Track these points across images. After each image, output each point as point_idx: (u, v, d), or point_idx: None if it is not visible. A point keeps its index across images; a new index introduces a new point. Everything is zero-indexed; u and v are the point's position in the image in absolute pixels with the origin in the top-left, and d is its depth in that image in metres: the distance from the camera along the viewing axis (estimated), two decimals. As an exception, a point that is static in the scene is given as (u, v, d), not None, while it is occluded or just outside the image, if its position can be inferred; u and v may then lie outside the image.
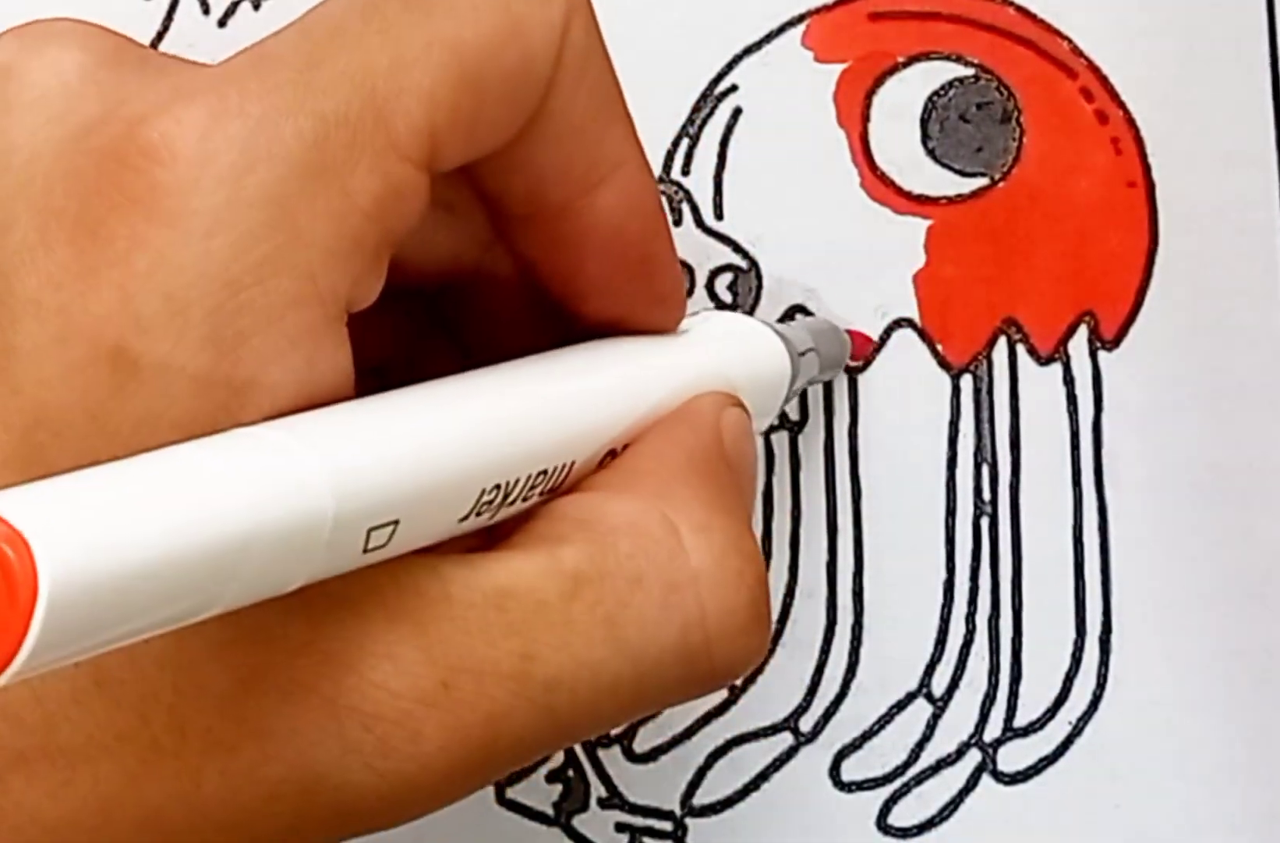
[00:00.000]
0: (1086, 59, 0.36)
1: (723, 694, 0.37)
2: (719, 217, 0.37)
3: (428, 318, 0.30)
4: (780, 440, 0.37)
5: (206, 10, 0.37)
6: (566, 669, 0.24)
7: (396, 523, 0.23)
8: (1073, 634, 0.37)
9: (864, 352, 0.37)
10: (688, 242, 0.37)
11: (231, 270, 0.22)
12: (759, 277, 0.37)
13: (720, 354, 0.31)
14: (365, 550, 0.23)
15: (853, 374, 0.37)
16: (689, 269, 0.37)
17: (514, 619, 0.24)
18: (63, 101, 0.24)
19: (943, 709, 0.37)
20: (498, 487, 0.25)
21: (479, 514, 0.25)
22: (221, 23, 0.37)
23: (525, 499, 0.26)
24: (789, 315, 0.37)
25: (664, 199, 0.37)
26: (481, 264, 0.29)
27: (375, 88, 0.23)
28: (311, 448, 0.22)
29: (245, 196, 0.23)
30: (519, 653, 0.24)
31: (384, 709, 0.23)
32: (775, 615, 0.37)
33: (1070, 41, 0.36)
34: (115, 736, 0.23)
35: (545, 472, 0.26)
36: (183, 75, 0.24)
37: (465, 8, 0.24)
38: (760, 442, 0.37)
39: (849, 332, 0.36)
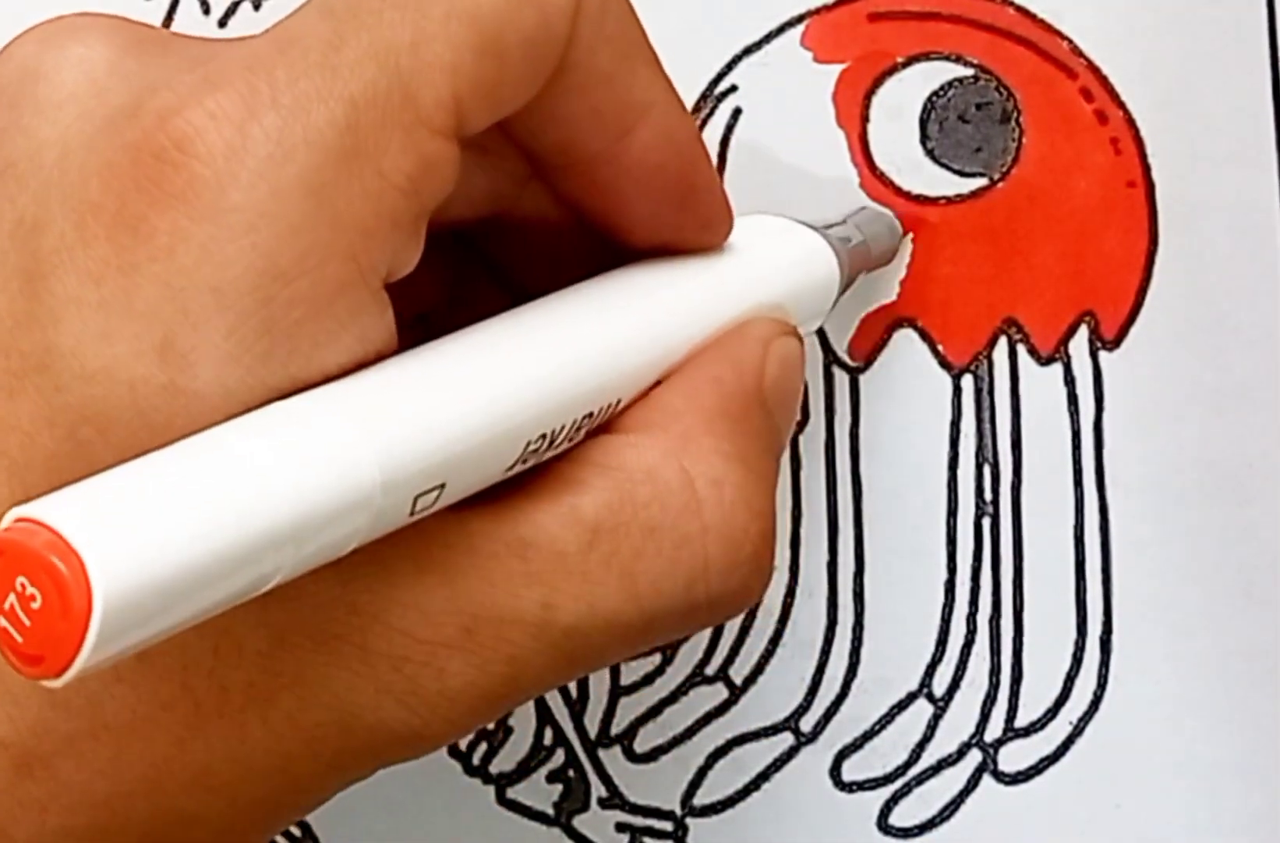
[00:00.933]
0: (1086, 59, 0.36)
1: (723, 694, 0.37)
2: (719, 217, 0.37)
3: (470, 260, 0.31)
4: (781, 440, 0.37)
5: (207, 10, 0.37)
6: (584, 618, 0.25)
7: (443, 487, 0.23)
8: (1074, 634, 0.37)
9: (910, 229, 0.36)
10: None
11: (278, 263, 0.23)
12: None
13: (769, 268, 0.31)
14: (412, 514, 0.23)
15: (854, 374, 0.37)
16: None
17: (534, 570, 0.25)
18: (92, 97, 0.24)
19: (944, 709, 0.37)
20: (543, 436, 0.25)
21: (524, 462, 0.25)
22: (222, 23, 0.37)
23: (571, 440, 0.26)
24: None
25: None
26: (520, 200, 0.29)
27: (399, 65, 0.24)
28: (354, 422, 0.22)
29: (284, 189, 0.23)
30: (540, 602, 0.25)
31: (411, 652, 0.24)
32: (776, 615, 0.37)
33: (1070, 41, 0.36)
34: (160, 705, 0.24)
35: (591, 414, 0.26)
36: (209, 62, 0.24)
37: None
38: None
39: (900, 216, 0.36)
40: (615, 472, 0.26)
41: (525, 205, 0.29)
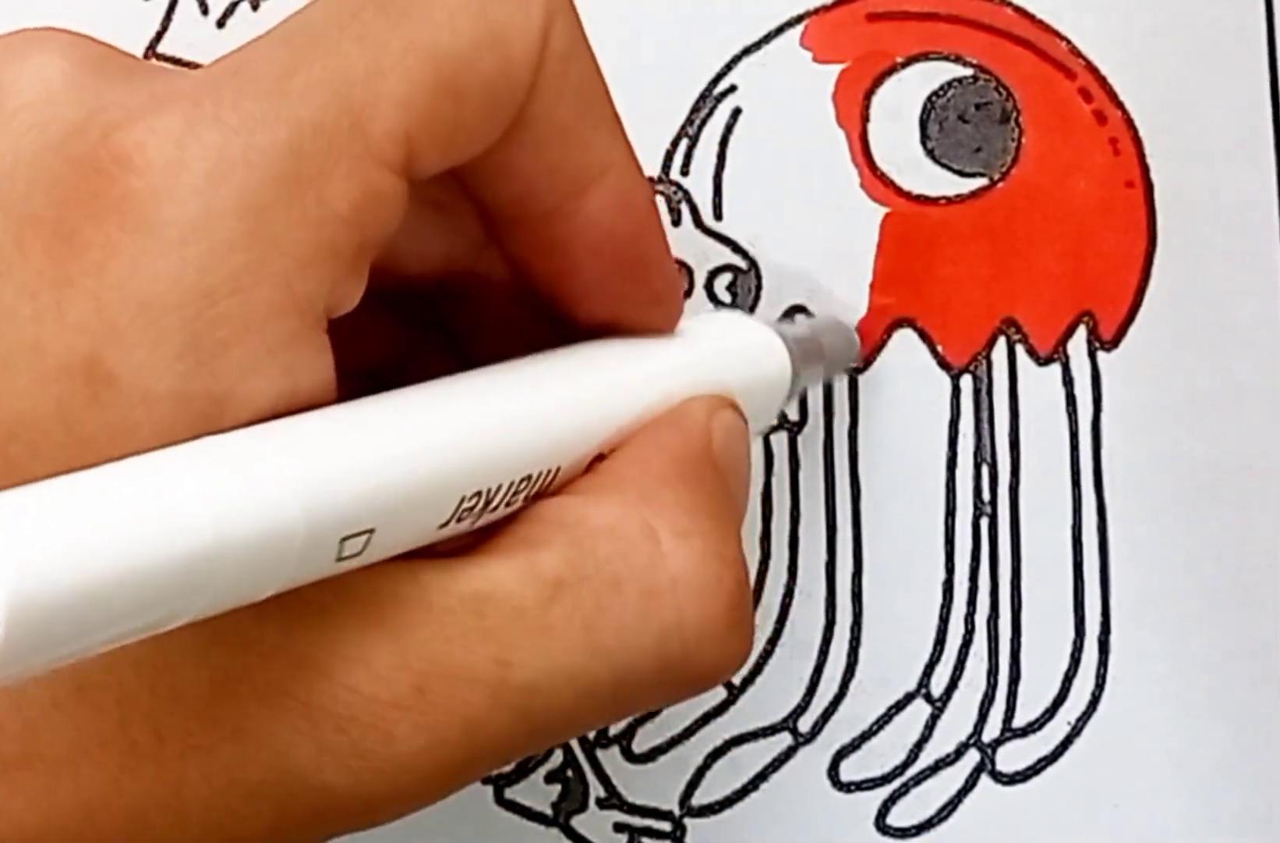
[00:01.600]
0: (1085, 59, 0.36)
1: (721, 694, 0.37)
2: (719, 217, 0.37)
3: (423, 321, 0.30)
4: (780, 440, 0.37)
5: (205, 10, 0.37)
6: (544, 675, 0.24)
7: (371, 532, 0.23)
8: (1072, 634, 0.37)
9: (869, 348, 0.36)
10: (687, 242, 0.37)
11: (207, 280, 0.22)
12: (759, 277, 0.37)
13: (716, 356, 0.30)
14: (339, 559, 0.23)
15: (853, 374, 0.37)
16: (688, 269, 0.37)
17: (491, 625, 0.24)
18: (46, 109, 0.24)
19: (941, 710, 0.37)
20: (478, 494, 0.24)
21: (459, 521, 0.25)
22: (220, 23, 0.37)
23: (509, 504, 0.25)
24: (789, 315, 0.37)
25: (663, 199, 0.37)
26: (475, 265, 0.29)
27: (352, 95, 0.23)
28: (283, 457, 0.22)
29: (220, 205, 0.22)
30: (496, 659, 0.24)
31: (357, 712, 0.23)
32: (774, 616, 0.37)
33: (1068, 42, 0.36)
34: (96, 741, 0.23)
35: (529, 477, 0.26)
36: (162, 83, 0.24)
37: (442, 14, 0.24)
38: (760, 443, 0.37)
39: (858, 327, 0.36)
40: (574, 528, 0.25)
41: (480, 272, 0.29)
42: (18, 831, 0.23)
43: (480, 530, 0.26)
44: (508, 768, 0.37)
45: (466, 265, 0.29)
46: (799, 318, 0.36)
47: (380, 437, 0.23)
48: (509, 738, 0.24)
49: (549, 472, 0.26)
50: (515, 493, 0.25)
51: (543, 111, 0.25)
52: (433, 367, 0.27)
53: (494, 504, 0.25)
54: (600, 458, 0.27)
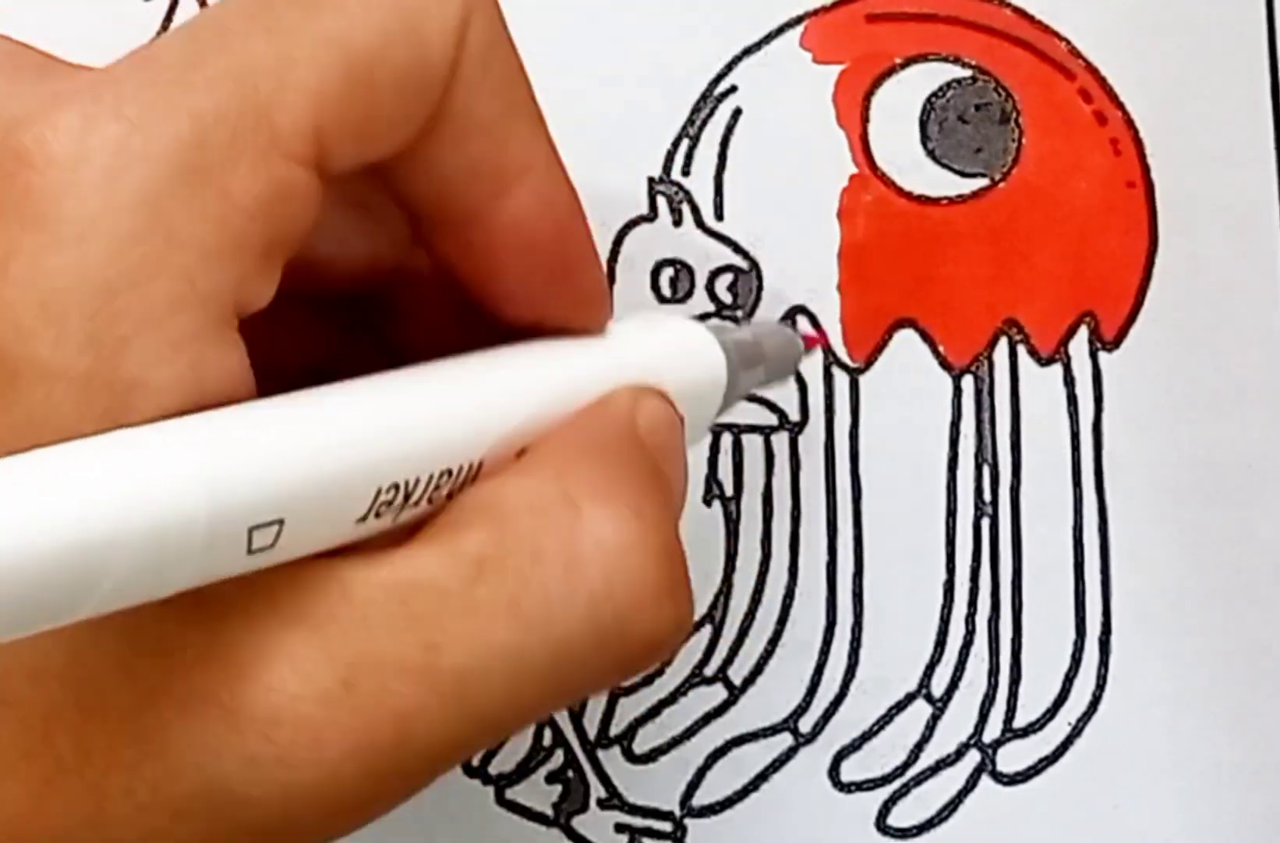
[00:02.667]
0: (1084, 60, 0.36)
1: (722, 695, 0.37)
2: (719, 217, 0.37)
3: (353, 321, 0.30)
4: (780, 440, 0.37)
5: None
6: (475, 655, 0.23)
7: (281, 523, 0.22)
8: (1072, 635, 0.37)
9: (814, 345, 0.36)
10: (688, 242, 0.37)
11: (106, 275, 0.22)
12: (759, 277, 0.37)
13: (645, 354, 0.30)
14: (250, 552, 0.22)
15: (854, 375, 0.37)
16: (689, 269, 0.37)
17: (416, 611, 0.23)
18: None
19: (942, 710, 0.37)
20: (395, 486, 0.24)
21: (378, 515, 0.24)
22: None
23: (431, 500, 0.25)
24: (789, 315, 0.37)
25: (664, 200, 0.37)
26: (402, 265, 0.29)
27: (258, 86, 0.23)
28: (185, 446, 0.22)
29: (119, 200, 0.22)
30: (423, 644, 0.23)
31: (283, 715, 0.23)
32: (775, 616, 0.37)
33: (1068, 42, 0.36)
34: (20, 755, 0.23)
35: (450, 472, 0.25)
36: (68, 79, 0.24)
37: (355, 6, 0.24)
38: (760, 443, 0.37)
39: (804, 336, 0.35)
40: (494, 508, 0.25)
41: (407, 271, 0.29)
42: None
43: (407, 529, 0.25)
44: (508, 769, 0.37)
45: (393, 265, 0.29)
46: (742, 323, 0.36)
47: (290, 426, 0.23)
48: (446, 730, 0.23)
49: (469, 466, 0.25)
50: (436, 488, 0.25)
51: (461, 106, 0.25)
52: (364, 368, 0.26)
53: (415, 498, 0.25)
54: (522, 453, 0.27)
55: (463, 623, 0.23)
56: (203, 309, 0.23)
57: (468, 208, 0.26)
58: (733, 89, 0.36)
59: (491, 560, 0.24)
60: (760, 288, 0.37)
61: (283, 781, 0.22)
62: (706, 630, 0.37)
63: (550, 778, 0.37)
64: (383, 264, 0.29)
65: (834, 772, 0.37)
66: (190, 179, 0.23)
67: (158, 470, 0.21)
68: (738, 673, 0.37)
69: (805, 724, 0.37)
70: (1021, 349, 0.37)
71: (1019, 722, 0.37)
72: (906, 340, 0.37)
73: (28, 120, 0.23)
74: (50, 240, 0.22)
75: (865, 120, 0.36)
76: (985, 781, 0.37)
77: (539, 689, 0.24)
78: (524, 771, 0.37)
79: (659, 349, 0.30)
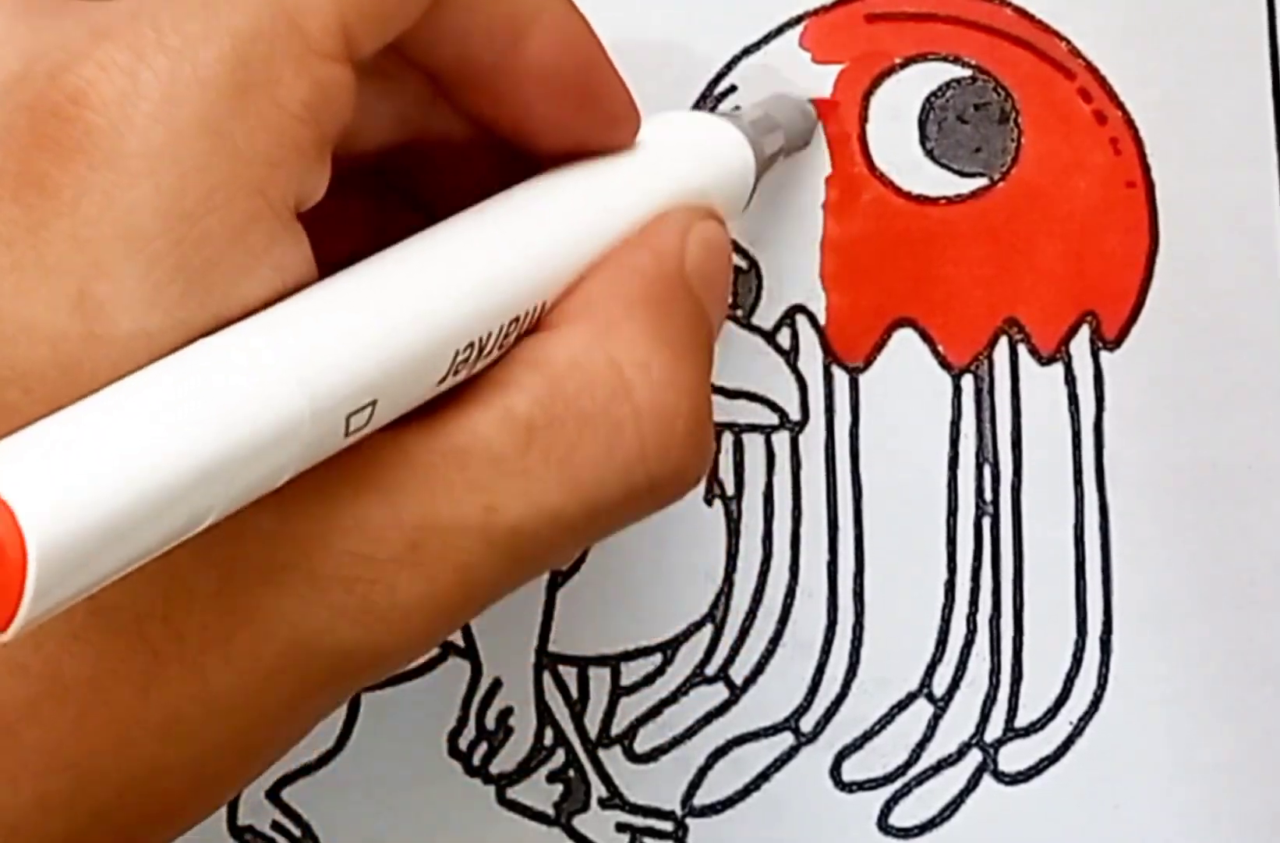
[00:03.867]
0: (1084, 59, 0.36)
1: (723, 694, 0.37)
2: (719, 217, 0.37)
3: (391, 193, 0.31)
4: (780, 440, 0.37)
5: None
6: (528, 517, 0.25)
7: (374, 404, 0.23)
8: (1074, 634, 0.37)
9: (828, 114, 0.36)
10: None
11: (184, 204, 0.23)
12: (759, 276, 0.37)
13: (679, 159, 0.31)
14: (347, 434, 0.23)
15: (854, 374, 0.37)
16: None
17: (473, 475, 0.25)
18: None
19: (944, 709, 0.37)
20: (471, 345, 0.25)
21: (456, 374, 0.25)
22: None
23: (501, 347, 0.26)
24: (789, 315, 0.37)
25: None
26: (428, 123, 0.29)
27: None
28: (274, 348, 0.22)
29: (180, 129, 0.23)
30: (482, 506, 0.25)
31: (360, 571, 0.24)
32: (776, 615, 0.37)
33: (1068, 42, 0.36)
34: (119, 659, 0.24)
35: (517, 319, 0.26)
36: (95, 17, 0.24)
37: None
38: (761, 443, 0.37)
39: (813, 100, 0.36)
40: (542, 367, 0.26)
41: (434, 127, 0.30)
42: (59, 760, 0.24)
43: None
44: (509, 768, 0.37)
45: (419, 126, 0.29)
46: (750, 107, 0.36)
47: (367, 309, 0.24)
48: (498, 578, 0.26)
49: (536, 309, 0.27)
50: (506, 336, 0.26)
51: None
52: (408, 235, 0.27)
53: (487, 350, 0.26)
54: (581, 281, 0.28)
55: (516, 486, 0.25)
56: (275, 216, 0.24)
57: (490, 60, 0.27)
58: (733, 89, 0.36)
59: (540, 425, 0.26)
60: (759, 287, 0.37)
61: (364, 623, 0.25)
62: (707, 630, 0.37)
63: (551, 777, 0.37)
64: (407, 126, 0.29)
65: (835, 771, 0.37)
66: (243, 97, 0.23)
67: (257, 379, 0.22)
68: (739, 672, 0.37)
69: (807, 724, 0.37)
70: (1022, 348, 0.37)
71: (1020, 721, 0.37)
72: (906, 340, 0.37)
73: (72, 63, 0.23)
74: (120, 177, 0.23)
75: (864, 120, 0.36)
76: (987, 780, 0.37)
77: (574, 540, 0.27)
78: (525, 770, 0.37)
79: (693, 151, 0.31)
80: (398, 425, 0.25)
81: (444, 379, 0.25)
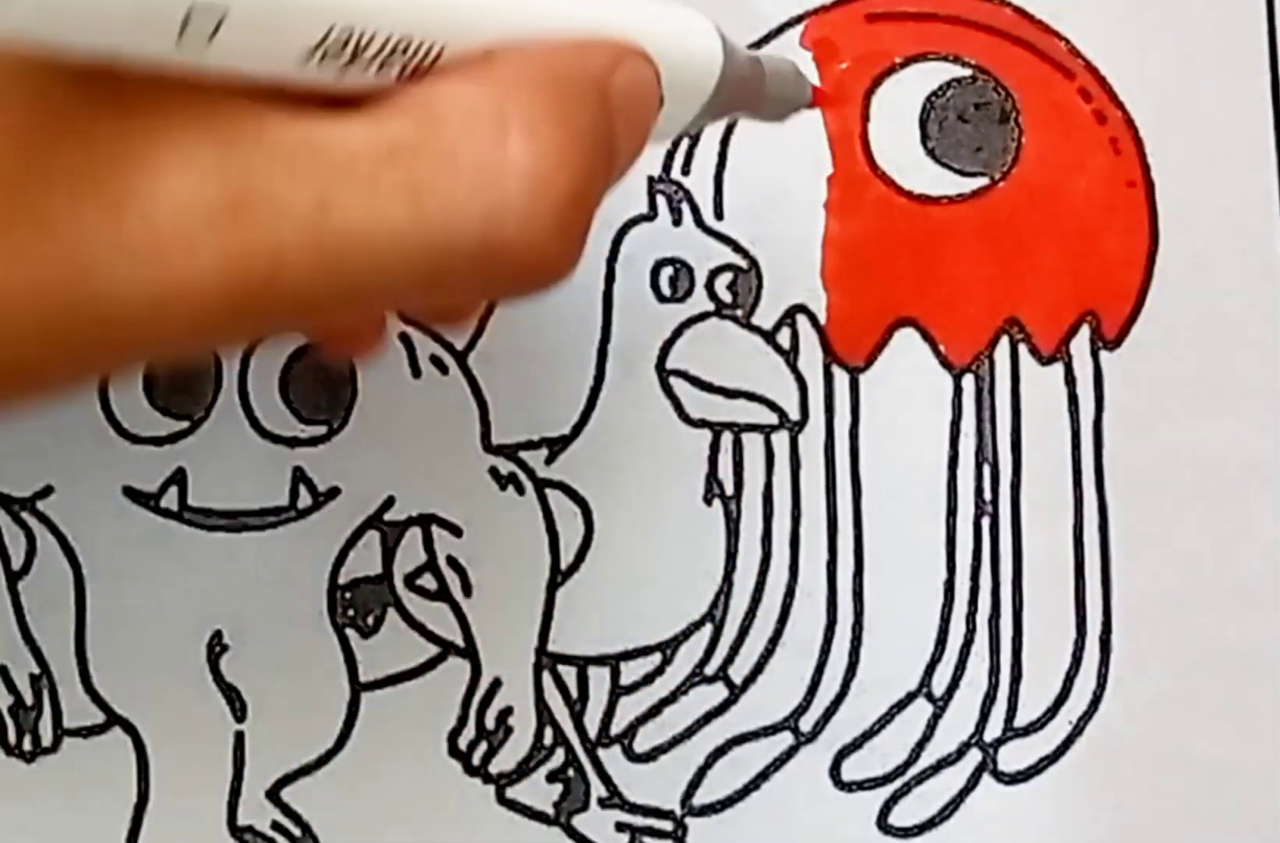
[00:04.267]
0: (1084, 59, 0.36)
1: (723, 694, 0.37)
2: (719, 216, 0.37)
3: None
4: (780, 440, 0.37)
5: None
6: (361, 225, 0.24)
7: (225, 14, 0.22)
8: (1073, 634, 0.37)
9: (821, 103, 0.34)
10: (688, 241, 0.37)
11: None
12: (759, 276, 0.37)
13: (647, 12, 0.29)
14: (182, 34, 0.22)
15: (854, 374, 0.37)
16: (688, 268, 0.37)
17: (320, 166, 0.24)
18: None
19: (943, 709, 0.37)
20: (349, 34, 0.24)
21: (323, 59, 0.24)
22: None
23: (381, 67, 0.25)
24: (789, 315, 0.37)
25: (664, 199, 0.37)
26: None
27: None
28: None
29: None
30: (317, 199, 0.24)
31: (166, 215, 0.23)
32: (776, 615, 0.37)
33: (1068, 42, 0.36)
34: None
35: (407, 48, 0.25)
36: None
37: None
38: (760, 443, 0.37)
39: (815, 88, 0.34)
40: (429, 104, 0.25)
41: None
42: None
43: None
44: (509, 768, 0.37)
45: None
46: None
47: None
48: (315, 280, 0.24)
49: (426, 48, 0.25)
50: (390, 54, 0.25)
51: None
52: None
53: (365, 56, 0.24)
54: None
55: (361, 196, 0.24)
56: None
57: None
58: (733, 89, 0.36)
59: (406, 149, 0.24)
60: (760, 287, 0.37)
61: (149, 276, 0.23)
62: (707, 629, 0.37)
63: (551, 777, 0.37)
64: None
65: (835, 771, 0.37)
66: None
67: None
68: (738, 672, 0.37)
69: (806, 723, 0.37)
70: (1023, 348, 0.37)
71: (1020, 721, 0.37)
72: (907, 340, 0.37)
73: None
74: None
75: (865, 119, 0.36)
76: (986, 780, 0.37)
77: (414, 275, 0.25)
78: (524, 770, 0.37)
79: (661, 14, 0.29)
80: (266, 104, 0.24)
81: (310, 57, 0.24)
